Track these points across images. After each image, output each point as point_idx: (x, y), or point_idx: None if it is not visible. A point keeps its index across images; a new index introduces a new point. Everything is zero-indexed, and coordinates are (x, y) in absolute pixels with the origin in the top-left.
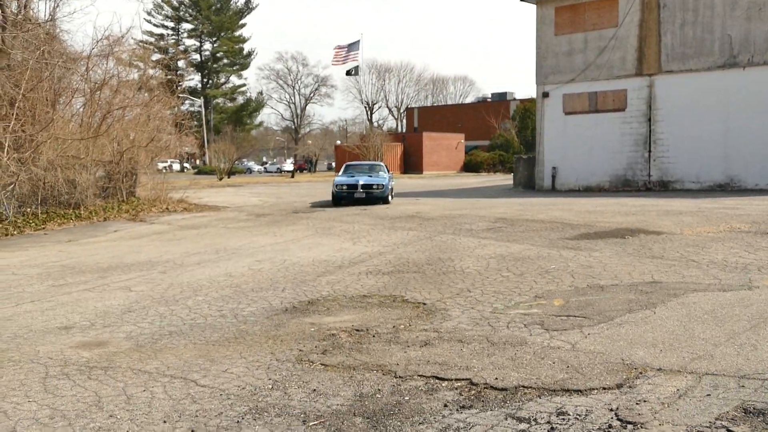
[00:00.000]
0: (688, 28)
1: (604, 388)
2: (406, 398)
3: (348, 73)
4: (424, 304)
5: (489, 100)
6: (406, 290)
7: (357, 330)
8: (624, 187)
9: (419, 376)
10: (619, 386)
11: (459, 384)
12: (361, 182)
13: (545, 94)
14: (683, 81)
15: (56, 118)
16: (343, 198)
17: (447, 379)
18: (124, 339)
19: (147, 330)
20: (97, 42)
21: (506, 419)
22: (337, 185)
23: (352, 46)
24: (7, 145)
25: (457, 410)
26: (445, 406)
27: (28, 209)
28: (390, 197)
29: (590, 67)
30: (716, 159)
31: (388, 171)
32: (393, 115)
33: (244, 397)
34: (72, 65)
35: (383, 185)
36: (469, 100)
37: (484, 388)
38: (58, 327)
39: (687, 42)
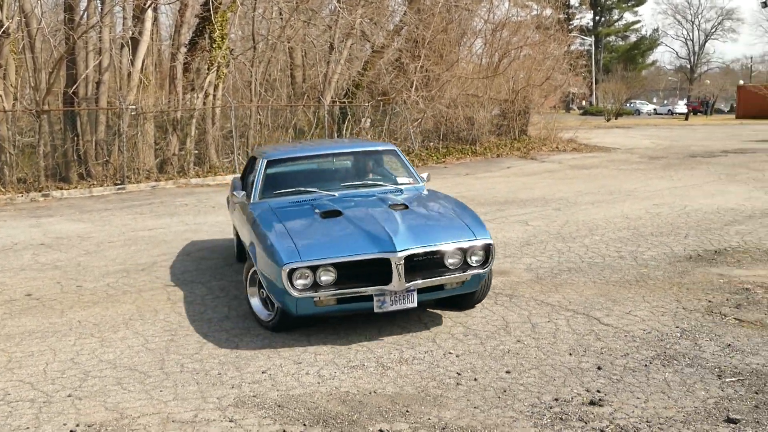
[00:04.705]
0: None
1: None
2: None
3: (764, 4)
4: None
5: None
6: None
7: None
8: None
9: None
10: None
11: None
12: None
13: None
14: None
15: (460, 59)
16: None
17: None
18: (524, 270)
19: (546, 264)
20: None
21: None
22: None
23: None
24: (416, 83)
25: None
26: None
27: (431, 143)
28: None
29: None
30: None
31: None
32: None
33: (650, 342)
34: (475, 7)
35: None
36: None
37: None
38: None
39: None
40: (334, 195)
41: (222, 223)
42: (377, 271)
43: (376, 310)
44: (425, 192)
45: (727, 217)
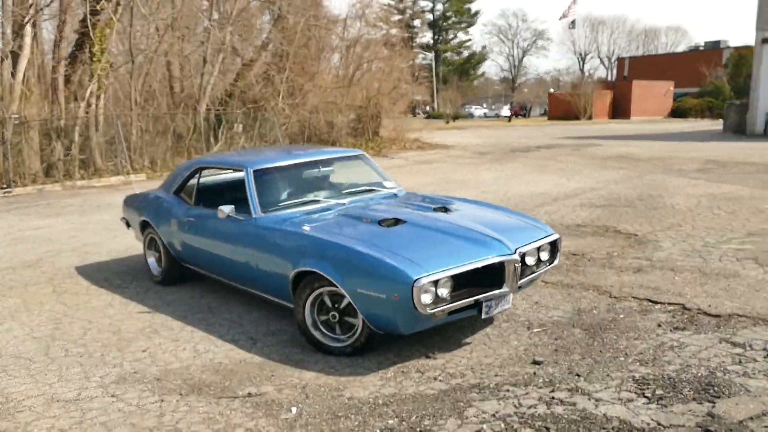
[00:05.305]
0: None
1: None
2: (621, 316)
3: (572, 24)
4: (636, 235)
5: (701, 48)
6: (618, 222)
7: (573, 254)
8: None
9: (633, 297)
10: None
11: (672, 308)
12: None
13: (765, 40)
14: None
15: (320, 71)
16: None
17: (660, 303)
18: None
19: None
20: (353, 6)
21: (720, 343)
22: None
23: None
24: (282, 92)
25: (671, 330)
26: (659, 326)
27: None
28: None
29: None
30: None
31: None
32: (604, 65)
33: None
34: (332, 26)
35: None
36: (680, 49)
37: (697, 313)
38: None
39: None
40: (344, 203)
41: (107, 221)
42: (484, 276)
43: (483, 316)
44: (405, 194)
45: (538, 200)
